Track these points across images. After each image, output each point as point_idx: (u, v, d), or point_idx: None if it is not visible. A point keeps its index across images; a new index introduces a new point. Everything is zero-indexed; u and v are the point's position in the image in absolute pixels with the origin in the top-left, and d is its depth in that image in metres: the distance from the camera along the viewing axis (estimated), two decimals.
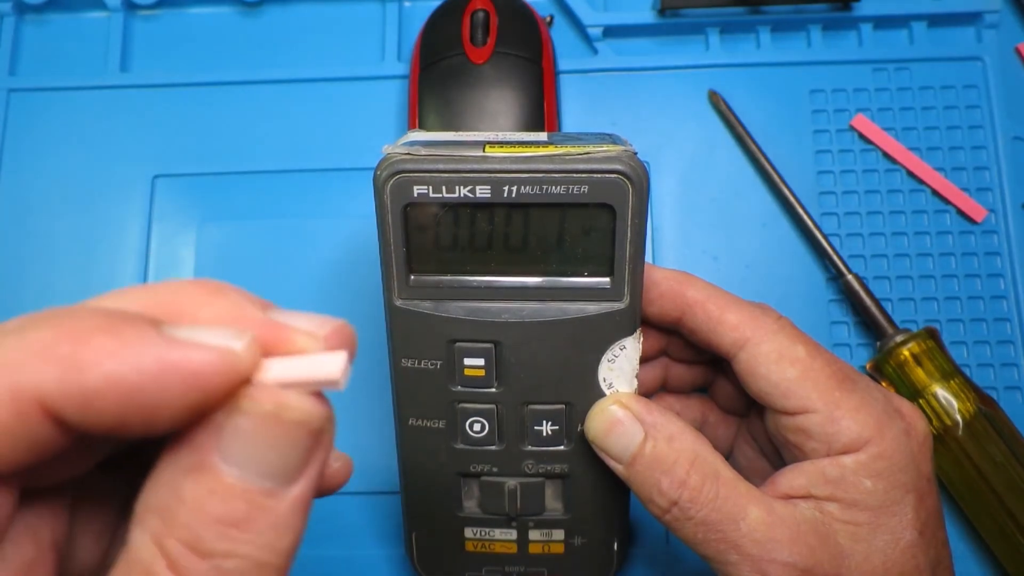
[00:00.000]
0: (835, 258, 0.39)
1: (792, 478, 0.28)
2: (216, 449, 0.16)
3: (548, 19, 0.44)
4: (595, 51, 0.44)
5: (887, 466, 0.27)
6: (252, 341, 0.16)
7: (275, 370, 0.17)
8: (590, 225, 0.27)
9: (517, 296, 0.28)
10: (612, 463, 0.28)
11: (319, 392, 0.17)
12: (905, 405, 0.29)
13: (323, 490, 0.22)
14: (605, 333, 0.28)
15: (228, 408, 0.16)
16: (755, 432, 0.33)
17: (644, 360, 0.30)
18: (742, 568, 0.26)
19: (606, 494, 0.31)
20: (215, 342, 0.16)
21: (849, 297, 0.39)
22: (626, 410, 0.28)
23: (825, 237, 0.39)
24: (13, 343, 0.16)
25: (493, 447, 0.30)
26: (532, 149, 0.26)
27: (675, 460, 0.27)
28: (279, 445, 0.17)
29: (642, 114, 0.43)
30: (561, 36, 0.44)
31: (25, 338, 0.16)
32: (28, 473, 0.17)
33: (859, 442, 0.27)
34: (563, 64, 0.43)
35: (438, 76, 0.40)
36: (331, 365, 0.17)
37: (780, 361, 0.28)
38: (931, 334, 0.37)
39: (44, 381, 0.15)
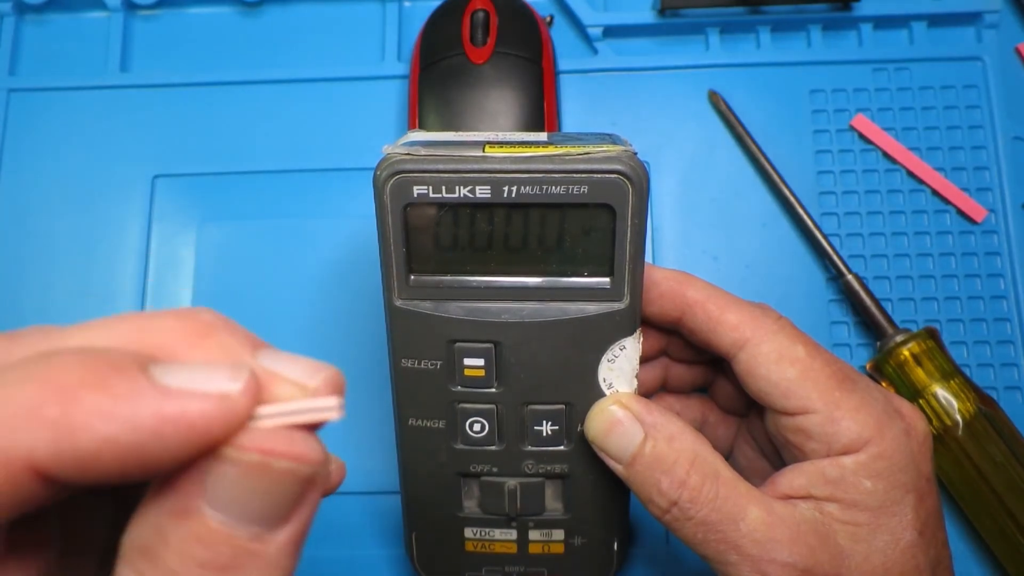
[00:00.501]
0: (835, 258, 0.39)
1: (792, 478, 0.28)
2: (201, 495, 0.16)
3: (548, 19, 0.44)
4: (595, 51, 0.44)
5: (887, 466, 0.27)
6: (249, 380, 0.16)
7: (266, 410, 0.16)
8: (590, 225, 0.27)
9: (517, 296, 0.28)
10: (612, 463, 0.28)
11: (312, 432, 0.17)
12: (905, 405, 0.29)
13: None
14: (605, 333, 0.28)
15: (214, 453, 0.16)
16: (755, 432, 0.33)
17: (644, 360, 0.30)
18: (742, 568, 0.26)
19: (606, 494, 0.31)
20: (211, 388, 0.15)
21: (849, 297, 0.39)
22: (626, 410, 0.28)
23: (825, 237, 0.39)
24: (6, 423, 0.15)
25: (493, 447, 0.30)
26: (532, 149, 0.26)
27: (675, 460, 0.27)
28: (267, 493, 0.16)
29: (642, 114, 0.43)
30: (561, 36, 0.44)
31: (11, 397, 0.15)
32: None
33: (859, 442, 0.27)
34: (563, 64, 0.43)
35: (438, 76, 0.40)
36: (322, 408, 0.17)
37: (780, 361, 0.28)
38: (931, 334, 0.37)
39: (35, 446, 0.14)
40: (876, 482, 0.27)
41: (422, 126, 0.39)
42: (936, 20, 0.43)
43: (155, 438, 0.15)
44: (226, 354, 0.17)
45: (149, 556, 0.16)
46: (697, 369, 0.34)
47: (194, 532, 0.16)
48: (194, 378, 0.15)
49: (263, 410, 0.16)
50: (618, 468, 0.28)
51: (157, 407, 0.15)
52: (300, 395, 0.17)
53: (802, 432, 0.28)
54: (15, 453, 0.14)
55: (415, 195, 0.26)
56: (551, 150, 0.26)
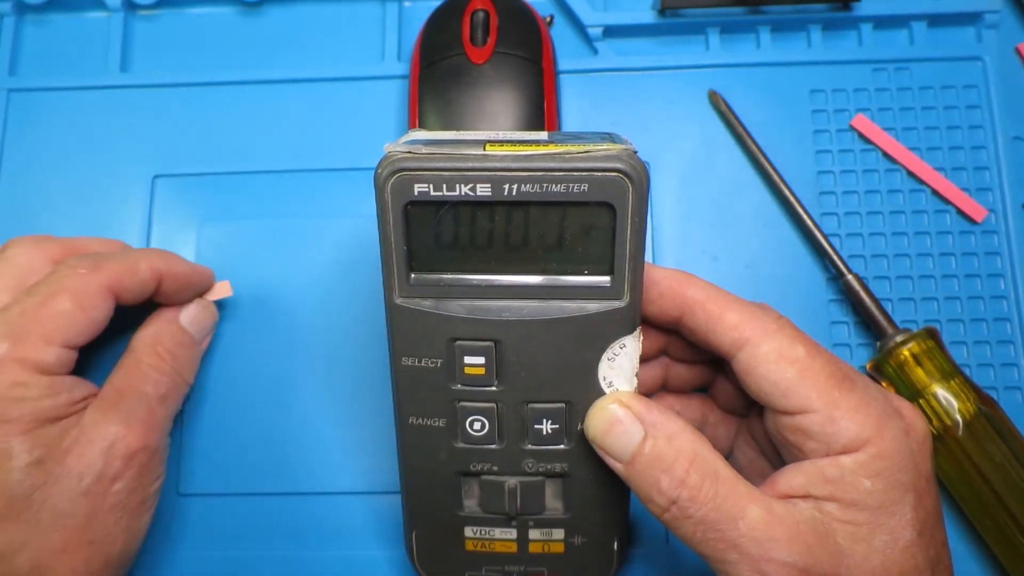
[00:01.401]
0: (835, 258, 0.39)
1: (791, 478, 0.28)
2: (180, 314, 0.36)
3: (548, 19, 0.44)
4: (595, 51, 0.44)
5: (886, 466, 0.27)
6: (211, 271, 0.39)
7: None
8: (590, 223, 0.27)
9: (517, 294, 0.28)
10: (612, 462, 0.28)
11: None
12: (905, 405, 0.29)
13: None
14: (605, 331, 0.28)
15: (186, 304, 0.37)
16: (755, 432, 0.33)
17: (644, 360, 0.30)
18: (741, 567, 0.26)
19: (606, 493, 0.31)
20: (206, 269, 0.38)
21: (849, 297, 0.39)
22: (626, 409, 0.28)
23: (825, 237, 0.39)
24: (148, 250, 0.36)
25: (493, 446, 0.30)
26: (532, 148, 0.26)
27: (674, 459, 0.27)
28: (203, 320, 0.37)
29: (642, 114, 0.43)
30: (561, 36, 0.44)
31: (153, 251, 0.36)
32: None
33: (858, 442, 0.27)
34: (563, 64, 0.43)
35: (438, 76, 0.40)
36: (225, 287, 0.39)
37: (779, 361, 0.28)
38: (931, 334, 0.37)
39: (161, 265, 0.35)
40: (875, 482, 0.27)
41: (422, 126, 0.39)
42: (936, 20, 0.43)
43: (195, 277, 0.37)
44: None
45: (152, 343, 0.34)
46: (697, 369, 0.34)
47: (175, 329, 0.36)
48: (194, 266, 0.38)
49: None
50: (618, 467, 0.28)
51: (170, 263, 0.36)
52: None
53: (801, 432, 0.28)
54: (104, 281, 0.33)
55: (416, 193, 0.26)
56: (552, 148, 0.26)
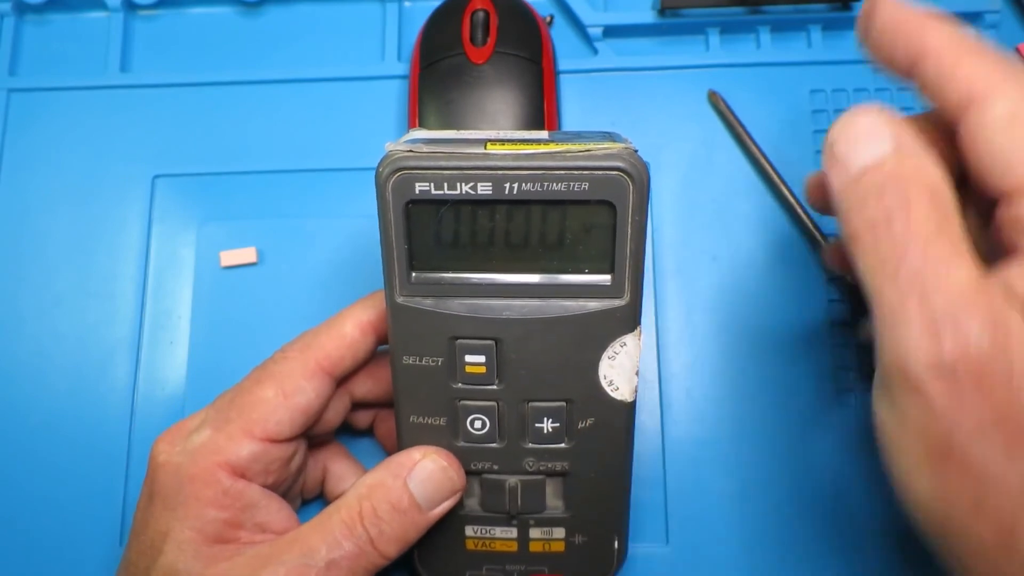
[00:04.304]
0: None
1: (1020, 275, 0.21)
2: (408, 474, 0.29)
3: (548, 19, 0.44)
4: (595, 51, 0.44)
5: None
6: None
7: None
8: (591, 222, 0.27)
9: (518, 293, 0.28)
10: (837, 171, 0.23)
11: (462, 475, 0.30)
12: None
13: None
14: (606, 330, 0.28)
15: (424, 457, 0.29)
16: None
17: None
18: (913, 327, 0.21)
19: (606, 492, 0.31)
20: None
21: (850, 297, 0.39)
22: (878, 118, 0.23)
23: (824, 238, 0.39)
24: (352, 306, 0.32)
25: (494, 444, 0.30)
26: (533, 147, 0.26)
27: (910, 185, 0.22)
28: (438, 485, 0.29)
29: (642, 114, 0.43)
30: (561, 36, 0.44)
31: (356, 304, 0.32)
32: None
33: None
34: (563, 64, 0.43)
35: (438, 76, 0.40)
36: (249, 253, 0.37)
37: (1013, 124, 0.21)
38: None
39: (367, 317, 0.31)
40: None
41: (422, 126, 0.39)
42: None
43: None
44: None
45: (363, 494, 0.28)
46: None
47: (395, 486, 0.29)
48: None
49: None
50: (841, 177, 0.23)
51: (377, 303, 0.32)
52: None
53: None
54: (360, 318, 0.31)
55: (417, 192, 0.26)
56: (552, 147, 0.26)
